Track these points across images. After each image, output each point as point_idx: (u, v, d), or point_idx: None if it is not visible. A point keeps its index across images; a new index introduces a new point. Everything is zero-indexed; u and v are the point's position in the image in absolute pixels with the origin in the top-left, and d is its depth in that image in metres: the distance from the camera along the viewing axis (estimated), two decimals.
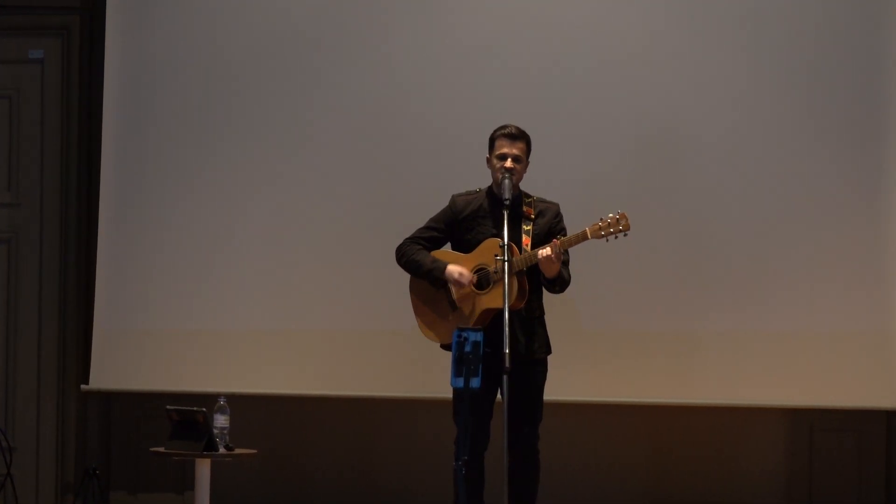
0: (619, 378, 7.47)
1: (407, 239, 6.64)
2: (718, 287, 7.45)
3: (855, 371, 7.38)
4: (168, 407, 6.76)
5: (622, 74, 7.54)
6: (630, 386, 7.47)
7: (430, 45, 7.66)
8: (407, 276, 6.64)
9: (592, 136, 7.53)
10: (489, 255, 6.36)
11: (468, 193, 6.61)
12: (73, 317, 7.96)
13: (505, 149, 6.44)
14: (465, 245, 6.52)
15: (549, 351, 6.52)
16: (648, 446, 7.71)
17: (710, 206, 7.48)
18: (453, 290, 6.47)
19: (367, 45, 7.69)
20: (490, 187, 6.55)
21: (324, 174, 7.68)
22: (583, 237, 6.27)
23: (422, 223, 6.66)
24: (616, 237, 6.26)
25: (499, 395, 6.19)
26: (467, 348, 5.54)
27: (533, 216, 6.48)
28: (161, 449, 6.76)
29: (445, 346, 6.46)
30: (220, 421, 6.70)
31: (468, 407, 5.96)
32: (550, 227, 6.47)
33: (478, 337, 5.54)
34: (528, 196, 6.54)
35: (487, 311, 6.34)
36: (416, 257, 6.56)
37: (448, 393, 6.29)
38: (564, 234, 6.41)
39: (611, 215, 6.24)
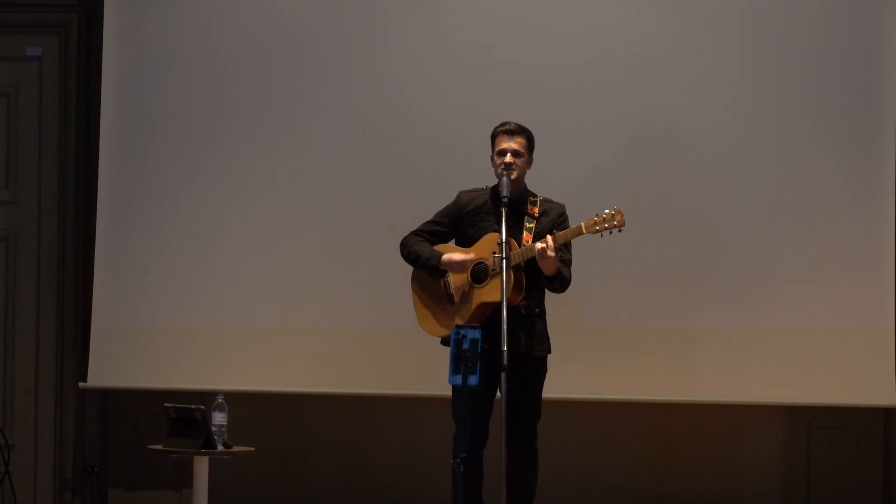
0: (618, 375, 7.47)
1: (411, 232, 6.66)
2: (716, 285, 7.46)
3: (853, 368, 7.38)
4: (166, 404, 6.77)
5: (620, 73, 7.54)
6: (628, 383, 7.47)
7: (430, 44, 7.65)
8: (406, 275, 6.64)
9: (591, 134, 7.53)
10: (488, 250, 6.37)
11: (474, 190, 6.63)
12: (72, 314, 7.95)
13: (504, 144, 6.47)
14: (468, 241, 6.54)
15: (548, 350, 6.53)
16: (647, 444, 7.71)
17: (708, 204, 7.48)
18: (451, 281, 6.48)
19: (366, 44, 7.69)
20: (495, 185, 6.57)
21: (322, 173, 7.68)
22: (578, 231, 6.30)
23: (421, 222, 6.67)
24: (611, 232, 6.27)
25: (497, 393, 6.20)
26: (465, 346, 5.55)
27: (536, 215, 6.49)
28: (159, 446, 6.76)
29: (445, 342, 6.46)
30: (218, 418, 6.70)
31: (466, 404, 5.98)
32: (553, 227, 6.46)
33: (476, 334, 5.55)
34: (534, 195, 6.55)
35: (484, 305, 6.34)
36: (416, 248, 6.58)
37: (447, 390, 6.28)
38: None
39: (607, 211, 6.26)
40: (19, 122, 8.00)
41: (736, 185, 7.48)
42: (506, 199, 6.25)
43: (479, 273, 6.41)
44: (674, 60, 7.53)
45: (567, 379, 7.24)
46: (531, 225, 6.45)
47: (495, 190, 6.52)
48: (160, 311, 7.73)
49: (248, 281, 7.69)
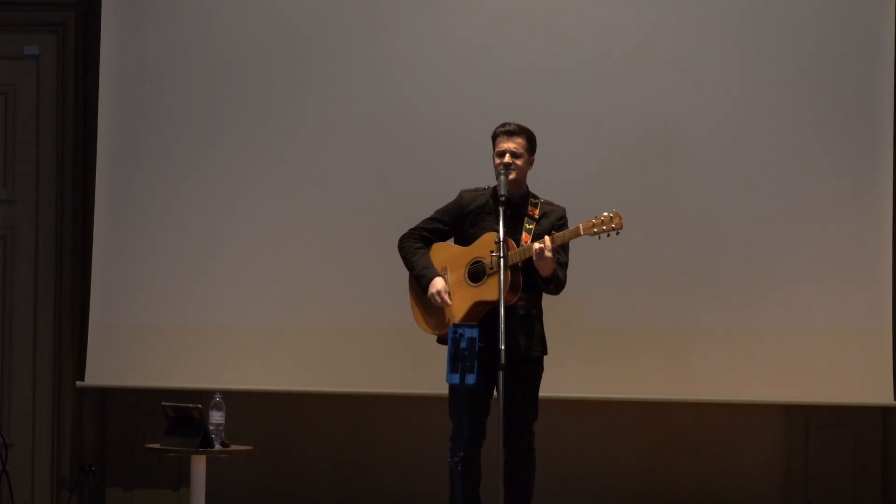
0: (616, 375, 7.47)
1: (411, 230, 6.64)
2: (715, 284, 7.46)
3: (851, 367, 7.39)
4: (164, 403, 6.77)
5: (620, 73, 7.54)
6: (626, 383, 7.47)
7: (429, 44, 7.65)
8: (404, 274, 6.63)
9: (591, 134, 7.53)
10: (485, 249, 6.36)
11: (476, 189, 6.62)
12: (69, 313, 7.95)
13: (503, 145, 6.46)
14: (468, 240, 6.53)
15: (545, 351, 6.52)
16: (645, 443, 7.71)
17: (707, 203, 7.48)
18: (448, 280, 6.47)
19: (365, 43, 7.68)
20: (496, 185, 6.56)
21: (320, 172, 7.68)
22: (575, 233, 6.30)
23: (416, 221, 6.66)
24: (608, 235, 6.28)
25: (495, 392, 6.19)
26: (463, 345, 5.55)
27: (537, 216, 6.48)
28: (157, 445, 6.77)
29: (441, 340, 6.46)
30: (216, 417, 6.70)
31: (464, 403, 5.97)
32: (552, 230, 6.45)
33: (473, 333, 5.55)
34: (536, 197, 6.55)
35: (480, 304, 6.34)
36: (411, 258, 6.57)
37: (444, 389, 6.28)
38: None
39: (605, 213, 6.25)
40: (17, 120, 7.99)
41: (734, 185, 7.47)
42: (503, 198, 6.25)
43: (477, 272, 6.41)
44: (673, 60, 7.52)
45: (565, 378, 7.25)
46: (531, 226, 6.45)
47: (496, 190, 6.52)
48: (158, 310, 7.73)
49: (246, 280, 7.68)
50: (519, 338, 6.36)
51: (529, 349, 6.42)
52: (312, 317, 7.63)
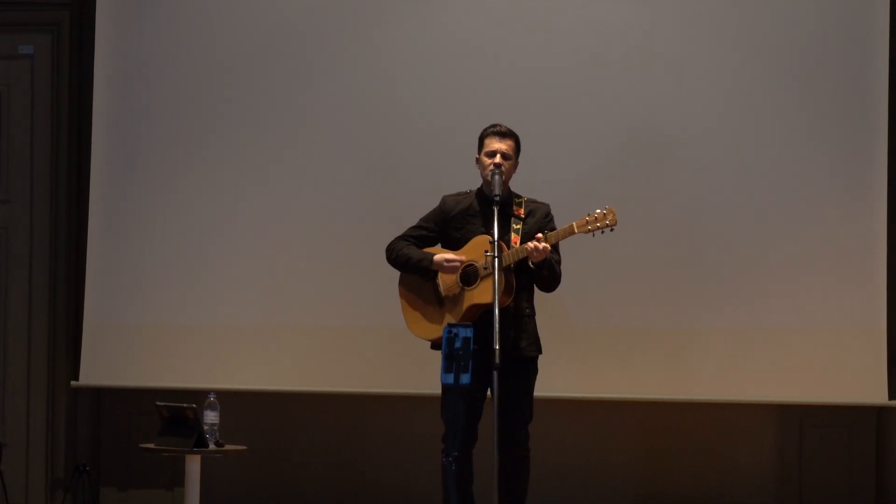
0: (610, 375, 7.47)
1: (396, 237, 6.65)
2: (709, 284, 7.46)
3: (845, 367, 7.39)
4: (158, 403, 6.77)
5: (614, 73, 7.54)
6: (621, 383, 7.47)
7: (422, 43, 7.65)
8: (396, 272, 6.64)
9: (583, 133, 7.53)
10: (478, 252, 6.36)
11: (458, 194, 6.64)
12: (63, 313, 7.94)
13: (494, 145, 6.46)
14: (454, 244, 6.53)
15: (539, 350, 6.52)
16: (639, 443, 7.71)
17: (701, 203, 7.48)
18: (441, 283, 6.47)
19: (358, 43, 7.68)
20: (480, 188, 6.57)
21: (315, 171, 7.68)
22: (570, 231, 6.31)
23: (412, 219, 6.68)
24: (602, 232, 6.28)
25: (488, 393, 6.19)
26: (457, 344, 5.54)
27: (523, 216, 6.49)
28: (151, 445, 6.76)
29: (435, 346, 6.45)
30: (210, 417, 6.70)
31: (458, 403, 5.97)
32: (540, 227, 6.47)
33: (468, 333, 5.54)
34: (519, 196, 6.56)
35: (475, 307, 6.34)
36: (405, 252, 6.57)
37: (438, 389, 6.29)
38: None
39: (598, 210, 6.27)
40: (11, 120, 7.99)
41: (728, 184, 7.47)
42: (497, 198, 6.24)
43: (469, 275, 6.40)
44: (667, 61, 7.52)
45: (559, 378, 7.25)
46: (518, 226, 6.45)
47: (481, 192, 6.53)
48: (152, 309, 7.73)
49: (240, 279, 7.68)
50: (513, 337, 6.36)
51: (524, 349, 6.42)
52: (307, 317, 7.63)
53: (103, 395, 7.96)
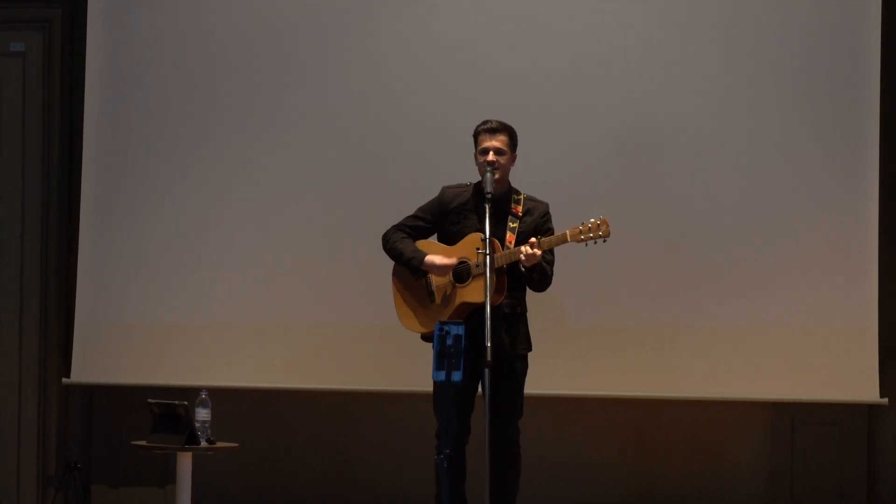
0: (602, 372, 7.47)
1: (393, 226, 6.65)
2: (700, 281, 7.46)
3: (837, 365, 7.39)
4: (149, 400, 6.76)
5: (606, 71, 7.54)
6: (612, 380, 7.47)
7: (415, 40, 7.65)
8: (390, 270, 6.64)
9: (576, 131, 7.53)
10: (471, 249, 6.36)
11: (458, 186, 6.62)
12: (55, 310, 7.94)
13: (486, 142, 6.46)
14: (450, 237, 6.53)
15: (529, 348, 6.53)
16: (630, 440, 7.71)
17: (692, 201, 7.48)
18: (434, 280, 6.48)
19: (351, 40, 7.68)
20: (478, 182, 6.57)
21: (307, 168, 7.67)
22: (562, 239, 6.31)
23: (408, 215, 6.67)
24: (595, 242, 6.28)
25: (479, 389, 6.19)
26: (449, 342, 5.54)
27: (520, 214, 6.48)
28: (143, 442, 6.76)
29: (426, 338, 6.47)
30: (202, 414, 6.69)
31: (450, 400, 5.97)
32: (536, 227, 6.47)
33: (459, 330, 5.54)
34: (518, 193, 6.55)
35: (465, 305, 6.35)
36: (398, 245, 6.57)
37: (430, 386, 6.29)
38: (552, 234, 6.43)
39: (592, 220, 6.27)
40: (2, 117, 7.99)
41: (721, 183, 7.48)
42: (489, 195, 6.25)
43: (462, 273, 6.40)
44: (660, 59, 7.52)
45: (550, 375, 7.25)
46: (514, 225, 6.45)
47: (478, 187, 6.52)
48: (143, 307, 7.73)
49: (232, 277, 7.68)
50: (504, 335, 6.37)
51: (514, 346, 6.43)
52: (298, 314, 7.63)
53: (95, 393, 7.96)
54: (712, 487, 7.67)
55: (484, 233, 6.16)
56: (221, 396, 7.28)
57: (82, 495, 7.76)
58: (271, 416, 7.86)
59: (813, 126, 7.47)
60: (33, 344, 7.94)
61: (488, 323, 5.88)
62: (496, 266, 6.23)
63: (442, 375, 5.56)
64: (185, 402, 6.64)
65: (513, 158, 6.52)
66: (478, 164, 6.51)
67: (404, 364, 7.30)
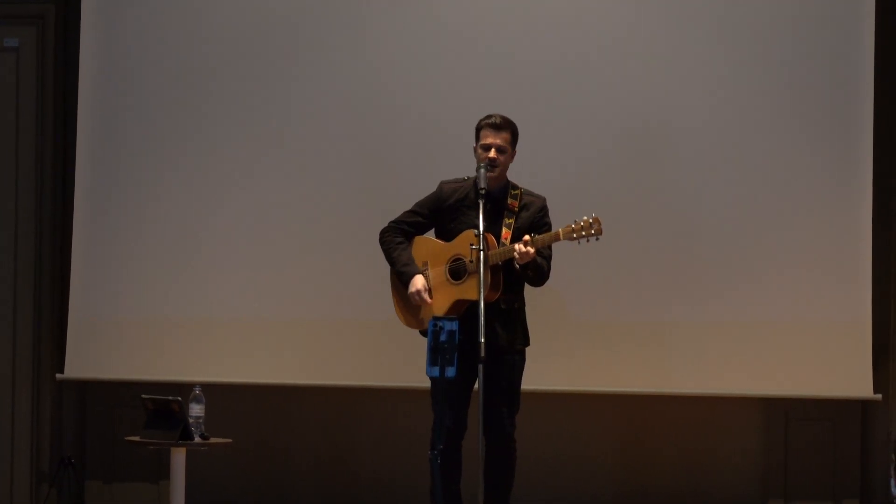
0: (596, 368, 7.48)
1: (391, 223, 6.64)
2: (696, 278, 7.46)
3: (830, 361, 7.40)
4: (143, 396, 6.75)
5: (603, 68, 7.54)
6: (607, 376, 7.48)
7: (414, 36, 7.64)
8: (386, 266, 6.63)
9: (573, 127, 7.53)
10: (466, 246, 6.35)
11: (456, 181, 6.61)
12: (49, 306, 7.93)
13: (489, 139, 6.45)
14: (448, 233, 6.53)
15: (527, 343, 6.53)
16: (625, 436, 7.72)
17: (688, 197, 7.48)
18: (430, 276, 6.48)
19: (348, 34, 7.67)
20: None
21: (302, 164, 7.67)
22: (555, 238, 6.30)
23: (399, 214, 6.67)
24: (588, 240, 6.27)
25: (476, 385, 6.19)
26: (443, 338, 5.54)
27: (517, 209, 6.48)
28: (136, 438, 6.75)
29: (424, 333, 6.47)
30: (196, 410, 6.69)
31: (444, 396, 5.97)
32: (533, 222, 6.46)
33: (453, 326, 5.54)
34: (515, 188, 6.54)
35: (461, 302, 6.34)
36: (393, 253, 6.57)
37: (427, 382, 6.28)
38: (549, 229, 6.43)
39: (585, 218, 6.25)
40: None
41: (715, 179, 7.48)
42: (483, 191, 6.24)
43: (457, 270, 6.40)
44: (657, 57, 7.52)
45: (546, 371, 7.25)
46: (510, 220, 6.44)
47: (477, 182, 6.52)
48: (137, 302, 7.72)
49: (226, 272, 7.68)
50: (500, 331, 6.36)
51: (511, 342, 6.42)
52: (292, 309, 7.62)
53: (88, 388, 7.95)
54: (706, 483, 7.67)
55: (480, 229, 6.16)
56: (215, 392, 7.28)
57: (76, 491, 7.76)
58: (265, 411, 7.86)
59: (807, 123, 7.47)
60: (27, 339, 7.93)
61: (482, 318, 5.89)
62: (490, 263, 6.23)
63: (436, 371, 5.56)
64: (179, 398, 6.63)
65: (512, 155, 6.52)
66: (477, 156, 6.50)
67: (401, 360, 7.30)
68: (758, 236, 7.45)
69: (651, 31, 7.53)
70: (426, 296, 6.42)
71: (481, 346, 5.84)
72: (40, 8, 7.97)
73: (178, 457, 6.68)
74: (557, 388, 7.48)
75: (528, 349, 6.55)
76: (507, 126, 6.48)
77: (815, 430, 7.64)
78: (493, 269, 6.27)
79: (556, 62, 7.55)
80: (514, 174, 6.58)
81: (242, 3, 7.74)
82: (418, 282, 6.45)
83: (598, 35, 7.55)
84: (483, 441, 5.97)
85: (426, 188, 6.66)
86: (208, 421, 6.75)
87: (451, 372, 5.56)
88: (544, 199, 6.56)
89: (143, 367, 7.69)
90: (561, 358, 7.44)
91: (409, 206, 6.67)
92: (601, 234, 6.26)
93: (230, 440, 6.91)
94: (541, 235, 6.33)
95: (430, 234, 6.65)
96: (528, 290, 6.54)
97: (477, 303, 6.01)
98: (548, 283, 6.51)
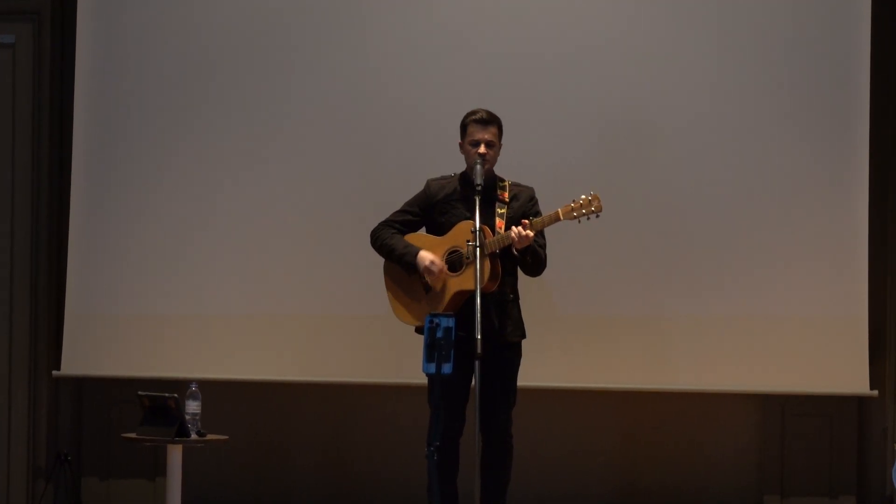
0: (592, 364, 7.48)
1: (381, 223, 6.65)
2: (691, 272, 7.46)
3: (827, 357, 7.40)
4: (139, 393, 6.76)
5: (596, 60, 7.53)
6: (603, 372, 7.48)
7: (407, 32, 7.63)
8: (381, 260, 6.63)
9: (565, 120, 7.53)
10: (462, 238, 6.36)
11: (442, 178, 6.63)
12: (45, 302, 7.92)
13: (477, 135, 6.46)
14: (439, 228, 6.53)
15: (523, 335, 6.53)
16: (621, 432, 7.72)
17: (683, 193, 7.48)
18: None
19: (341, 32, 7.66)
20: (464, 172, 6.57)
21: (298, 160, 7.66)
22: (555, 218, 6.30)
23: (397, 208, 6.66)
24: (588, 218, 6.28)
25: (473, 380, 6.19)
26: (439, 334, 5.55)
27: (507, 200, 6.49)
28: (133, 435, 6.76)
29: (420, 330, 6.47)
30: (192, 407, 6.69)
31: (440, 392, 5.97)
32: (525, 211, 6.48)
33: (449, 322, 5.55)
34: (503, 180, 6.56)
35: (460, 294, 6.35)
36: (389, 242, 6.56)
37: (424, 379, 6.28)
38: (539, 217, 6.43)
39: (583, 196, 6.28)
40: None
41: (711, 174, 7.48)
42: (479, 187, 6.25)
43: (454, 262, 6.40)
44: (651, 49, 7.51)
45: (541, 367, 7.25)
46: (503, 210, 6.46)
47: (465, 176, 6.53)
48: (134, 299, 7.71)
49: (222, 269, 7.67)
50: (494, 322, 6.36)
51: (508, 334, 6.43)
52: (289, 306, 7.62)
53: (85, 385, 7.95)
54: (703, 478, 7.68)
55: (474, 222, 6.16)
56: (211, 389, 7.28)
57: (72, 487, 7.75)
58: (262, 408, 7.86)
59: (803, 118, 7.46)
60: (23, 336, 7.92)
61: (478, 315, 5.89)
62: (489, 251, 6.24)
63: (432, 368, 5.56)
64: (176, 395, 6.64)
65: (500, 148, 6.54)
66: (464, 152, 6.51)
67: (397, 356, 7.29)
68: (754, 232, 7.45)
69: (645, 26, 7.52)
70: (441, 262, 6.40)
71: (478, 342, 5.84)
72: (36, 3, 7.96)
73: (175, 453, 6.69)
74: (553, 385, 7.48)
75: (524, 343, 6.54)
76: (493, 120, 6.50)
77: (812, 425, 7.64)
78: (490, 256, 6.27)
79: (548, 58, 7.54)
80: (507, 168, 6.59)
81: (238, 1, 7.73)
82: (426, 255, 6.43)
83: (591, 31, 7.54)
84: (480, 437, 5.96)
85: (420, 184, 6.67)
86: (205, 418, 6.76)
87: (447, 368, 5.56)
88: (533, 189, 6.60)
89: (140, 364, 7.68)
90: (555, 354, 7.44)
91: (403, 202, 6.67)
92: (601, 210, 6.27)
93: (226, 437, 6.91)
94: (540, 218, 6.33)
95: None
96: (523, 286, 6.54)
97: (473, 295, 6.01)
98: (543, 277, 6.51)
